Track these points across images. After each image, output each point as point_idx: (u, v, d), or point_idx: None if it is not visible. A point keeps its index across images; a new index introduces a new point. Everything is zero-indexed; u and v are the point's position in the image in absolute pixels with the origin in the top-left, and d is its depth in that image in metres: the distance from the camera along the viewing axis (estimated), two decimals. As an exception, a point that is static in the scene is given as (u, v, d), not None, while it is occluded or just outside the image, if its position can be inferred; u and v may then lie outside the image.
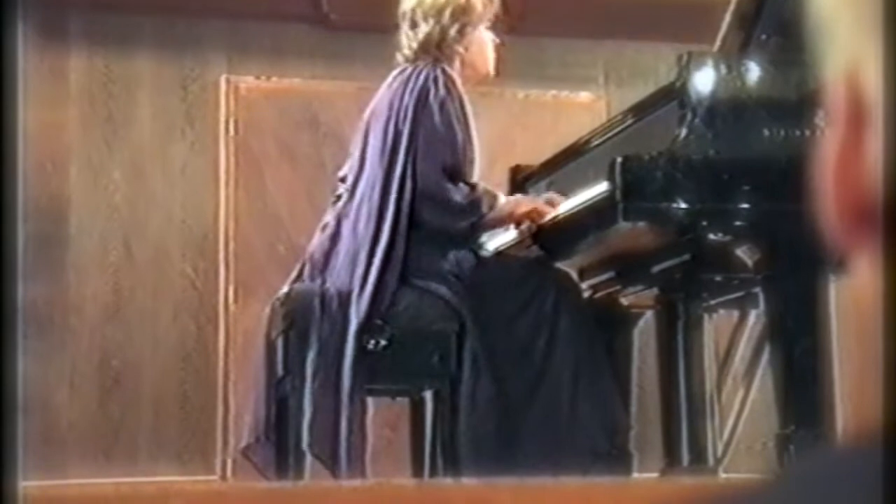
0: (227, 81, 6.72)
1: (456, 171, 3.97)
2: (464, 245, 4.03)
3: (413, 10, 4.17)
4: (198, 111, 6.69)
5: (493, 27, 4.23)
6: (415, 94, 3.99)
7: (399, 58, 4.20)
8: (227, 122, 6.69)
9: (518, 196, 4.26)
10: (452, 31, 4.12)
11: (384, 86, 4.16)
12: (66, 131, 6.53)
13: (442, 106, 3.98)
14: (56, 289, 6.38)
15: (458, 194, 3.95)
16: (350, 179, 4.11)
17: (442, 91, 4.00)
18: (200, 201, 6.61)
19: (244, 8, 6.63)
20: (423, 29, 4.14)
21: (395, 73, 4.15)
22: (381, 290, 3.89)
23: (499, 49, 4.24)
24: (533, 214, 4.05)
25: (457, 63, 4.13)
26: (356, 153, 4.14)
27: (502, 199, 4.07)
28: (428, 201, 3.96)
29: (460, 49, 4.14)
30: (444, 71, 4.06)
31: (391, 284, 3.90)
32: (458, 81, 4.08)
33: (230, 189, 6.63)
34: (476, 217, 3.98)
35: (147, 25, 6.65)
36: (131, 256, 6.53)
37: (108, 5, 6.59)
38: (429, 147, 3.95)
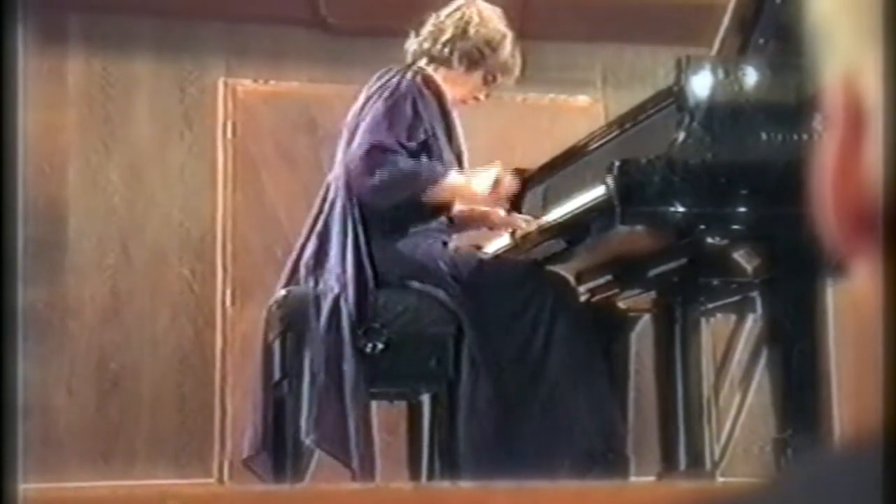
0: (226, 84, 6.72)
1: (394, 149, 3.92)
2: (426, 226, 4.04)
3: (447, 17, 4.19)
4: (196, 114, 6.69)
5: (489, 88, 4.24)
6: (385, 92, 4.01)
7: (407, 46, 4.23)
8: (225, 125, 6.69)
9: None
10: (464, 45, 4.13)
11: (364, 89, 4.17)
12: (64, 133, 6.53)
13: (392, 95, 3.98)
14: (54, 291, 6.38)
15: (387, 171, 3.89)
16: (334, 184, 4.13)
17: (415, 92, 4.01)
18: (198, 204, 6.61)
19: (242, 11, 6.63)
20: (444, 27, 4.15)
21: (375, 76, 4.16)
22: (361, 289, 3.89)
23: (473, 103, 4.26)
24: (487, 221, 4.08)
25: (441, 72, 4.13)
26: (340, 156, 4.15)
27: (453, 176, 4.01)
28: (353, 179, 3.93)
29: (455, 63, 4.15)
30: (420, 71, 4.08)
31: (369, 283, 3.91)
32: (439, 81, 4.08)
33: (228, 191, 6.63)
34: (411, 190, 3.92)
35: (145, 28, 6.65)
36: (129, 259, 6.53)
37: (106, 7, 6.59)
38: (365, 129, 3.94)
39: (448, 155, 4.07)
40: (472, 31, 4.15)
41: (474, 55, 4.15)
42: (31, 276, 6.11)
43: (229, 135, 6.69)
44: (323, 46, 6.73)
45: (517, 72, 4.25)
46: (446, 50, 4.14)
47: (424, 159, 3.99)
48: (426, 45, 4.17)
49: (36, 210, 6.29)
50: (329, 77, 6.67)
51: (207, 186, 6.62)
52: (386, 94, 4.00)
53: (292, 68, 6.78)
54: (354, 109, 4.14)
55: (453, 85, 4.14)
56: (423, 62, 4.15)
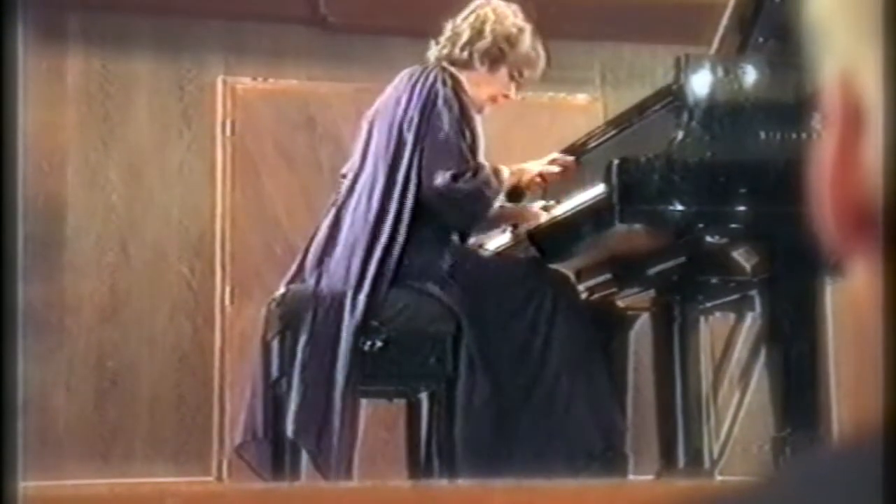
0: (224, 82, 6.72)
1: (465, 172, 3.97)
2: (467, 236, 4.06)
3: (463, 20, 4.20)
4: (195, 112, 6.69)
5: (517, 84, 4.25)
6: (423, 95, 4.00)
7: (428, 55, 4.23)
8: (223, 123, 6.69)
9: (521, 165, 4.25)
10: (482, 44, 4.13)
11: (391, 87, 4.16)
12: (63, 131, 6.53)
13: (451, 109, 3.99)
14: (52, 290, 6.38)
15: (467, 185, 3.94)
16: (350, 177, 4.12)
17: (450, 93, 4.00)
18: (197, 202, 6.61)
19: (241, 9, 6.63)
20: (461, 31, 4.17)
21: (402, 74, 4.15)
22: (377, 290, 3.89)
23: (503, 101, 4.26)
24: (539, 177, 4.09)
25: (464, 74, 4.12)
26: (358, 151, 4.14)
27: (506, 172, 4.08)
28: (441, 202, 3.95)
29: (478, 66, 4.15)
30: (452, 74, 4.07)
31: (387, 284, 3.90)
32: (466, 85, 4.08)
33: (227, 190, 6.63)
34: (489, 196, 3.97)
35: (144, 26, 6.65)
36: (128, 257, 6.53)
37: (105, 6, 6.59)
38: (438, 151, 3.94)
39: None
40: (488, 30, 4.16)
41: (494, 53, 4.16)
42: (30, 275, 6.11)
43: (228, 133, 6.69)
44: (322, 45, 6.72)
45: (542, 63, 4.26)
46: (465, 53, 4.14)
47: (484, 165, 4.02)
48: (445, 51, 4.17)
49: (35, 208, 6.30)
50: (328, 75, 6.67)
51: (206, 185, 6.63)
52: (441, 107, 3.98)
53: (291, 66, 6.78)
54: (383, 106, 4.12)
55: (478, 86, 4.14)
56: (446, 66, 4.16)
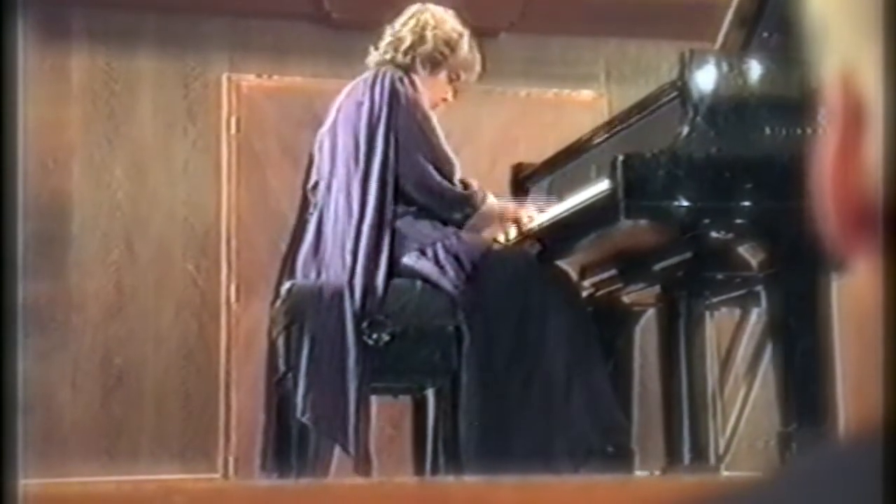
0: (229, 79, 6.72)
1: (439, 164, 4.08)
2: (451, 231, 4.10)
3: (403, 25, 4.28)
4: (200, 109, 6.69)
5: (454, 87, 4.34)
6: (386, 94, 4.12)
7: (369, 61, 4.30)
8: (228, 120, 6.69)
9: (507, 202, 4.33)
10: (424, 49, 4.23)
11: (342, 98, 4.26)
12: (68, 129, 6.53)
13: (415, 103, 4.13)
14: (58, 287, 6.38)
15: (453, 187, 4.07)
16: (322, 185, 4.19)
17: (410, 90, 4.13)
18: (202, 199, 6.61)
19: (246, 5, 6.63)
20: (402, 36, 4.24)
21: (353, 83, 4.28)
22: (373, 274, 3.93)
23: (443, 104, 4.35)
24: (518, 221, 4.13)
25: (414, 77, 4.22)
26: (325, 157, 4.21)
27: (491, 198, 4.16)
28: (422, 189, 4.07)
29: (420, 70, 4.25)
30: (408, 74, 4.20)
31: (383, 267, 3.94)
32: (421, 87, 4.17)
33: (232, 187, 6.63)
34: (470, 210, 4.11)
35: (149, 23, 6.66)
36: (133, 254, 6.53)
37: (110, 3, 6.59)
38: (408, 138, 4.08)
39: None
40: (429, 34, 4.28)
41: (436, 58, 4.27)
42: (36, 272, 6.11)
43: (233, 130, 6.69)
44: (327, 41, 6.72)
45: (478, 67, 4.39)
46: (408, 57, 4.26)
47: (473, 181, 4.20)
48: (387, 56, 4.27)
49: (40, 206, 6.30)
50: (333, 72, 6.65)
51: (211, 182, 6.63)
52: (405, 104, 4.09)
53: (296, 63, 6.78)
54: (343, 116, 4.19)
55: (421, 90, 4.22)
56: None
